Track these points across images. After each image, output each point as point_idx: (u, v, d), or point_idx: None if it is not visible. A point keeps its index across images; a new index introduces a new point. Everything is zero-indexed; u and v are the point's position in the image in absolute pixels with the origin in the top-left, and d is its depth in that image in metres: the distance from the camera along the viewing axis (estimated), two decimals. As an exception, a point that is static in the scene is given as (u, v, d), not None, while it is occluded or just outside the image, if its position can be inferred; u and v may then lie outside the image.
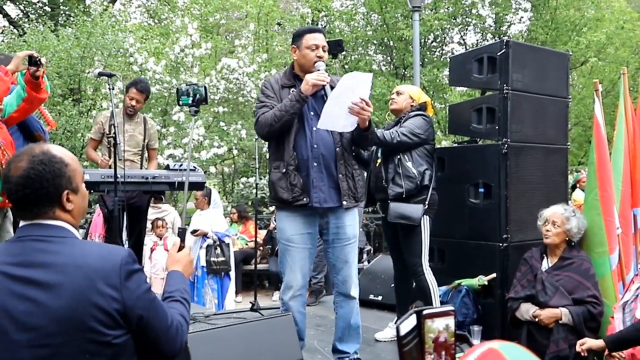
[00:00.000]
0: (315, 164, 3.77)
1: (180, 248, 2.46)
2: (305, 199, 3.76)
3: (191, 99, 3.29)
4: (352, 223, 3.94)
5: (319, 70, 3.73)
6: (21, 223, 1.94)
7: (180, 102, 3.35)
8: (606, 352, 3.58)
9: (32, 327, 1.75)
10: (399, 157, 4.46)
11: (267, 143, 3.88)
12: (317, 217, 3.87)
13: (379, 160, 4.58)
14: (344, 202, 3.82)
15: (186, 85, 3.40)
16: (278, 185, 3.80)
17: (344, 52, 16.41)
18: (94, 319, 1.77)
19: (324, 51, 3.82)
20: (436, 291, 4.50)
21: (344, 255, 3.94)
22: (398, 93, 4.75)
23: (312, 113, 3.80)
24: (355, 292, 4.01)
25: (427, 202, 4.47)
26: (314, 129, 3.76)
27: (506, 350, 1.44)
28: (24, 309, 1.76)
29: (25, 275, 1.79)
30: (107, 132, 5.54)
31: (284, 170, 3.77)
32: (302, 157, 3.78)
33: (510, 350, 1.44)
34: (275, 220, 9.53)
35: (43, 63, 3.79)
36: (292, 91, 3.77)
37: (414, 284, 4.72)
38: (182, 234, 2.70)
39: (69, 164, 1.94)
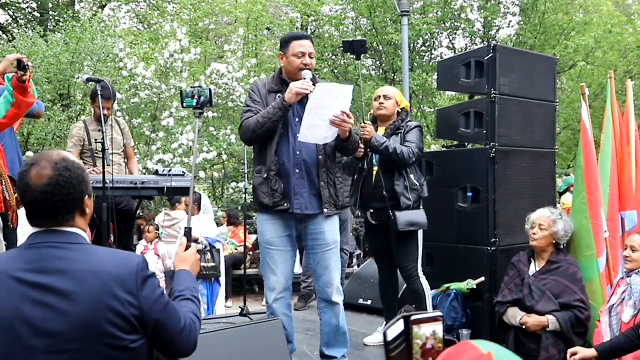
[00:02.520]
0: (297, 170, 3.77)
1: (187, 247, 2.53)
2: (286, 205, 3.77)
3: (195, 101, 3.27)
4: (331, 229, 3.93)
5: (304, 79, 3.71)
6: (32, 230, 1.94)
7: (185, 105, 3.33)
8: None
9: (50, 333, 1.77)
10: (406, 170, 4.44)
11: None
12: (296, 222, 3.88)
13: (376, 169, 4.50)
14: (325, 210, 3.82)
15: (191, 87, 3.38)
16: (259, 190, 3.81)
17: (333, 56, 16.47)
18: (112, 325, 1.81)
19: (311, 58, 3.81)
20: (429, 296, 4.52)
21: (324, 261, 3.94)
22: (386, 97, 4.61)
23: (297, 120, 3.79)
24: (337, 297, 3.99)
25: (420, 208, 4.50)
26: (298, 135, 3.74)
27: (478, 342, 1.48)
28: (41, 315, 1.77)
29: (42, 282, 1.80)
30: (88, 142, 5.52)
31: (266, 176, 3.78)
32: (284, 163, 3.78)
33: (482, 343, 1.48)
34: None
35: (30, 67, 3.78)
36: (278, 97, 3.76)
37: (405, 287, 4.72)
38: (188, 234, 2.75)
39: (84, 169, 1.99)
